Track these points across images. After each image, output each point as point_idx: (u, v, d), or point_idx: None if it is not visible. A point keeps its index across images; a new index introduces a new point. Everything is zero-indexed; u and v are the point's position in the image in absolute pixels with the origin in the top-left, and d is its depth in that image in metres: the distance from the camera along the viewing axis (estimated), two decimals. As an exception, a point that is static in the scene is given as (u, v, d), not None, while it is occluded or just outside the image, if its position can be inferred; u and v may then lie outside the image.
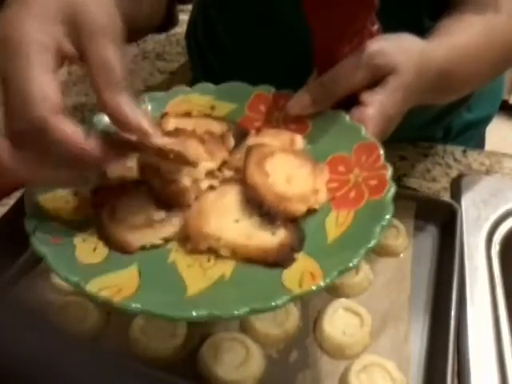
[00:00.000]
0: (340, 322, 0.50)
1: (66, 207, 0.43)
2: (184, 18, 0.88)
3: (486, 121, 0.87)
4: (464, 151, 0.76)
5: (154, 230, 0.42)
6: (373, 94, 0.47)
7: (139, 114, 0.39)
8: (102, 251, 0.41)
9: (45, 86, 0.37)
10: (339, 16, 0.46)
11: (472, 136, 0.85)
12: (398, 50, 0.49)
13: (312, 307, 0.52)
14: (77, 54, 0.40)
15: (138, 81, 0.96)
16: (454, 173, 0.72)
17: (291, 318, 0.50)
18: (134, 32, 0.71)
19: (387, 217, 0.39)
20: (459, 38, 0.55)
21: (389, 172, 0.42)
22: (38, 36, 0.38)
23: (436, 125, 0.80)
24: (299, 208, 0.42)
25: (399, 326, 0.51)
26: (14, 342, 0.25)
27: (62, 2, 0.39)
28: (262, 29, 0.72)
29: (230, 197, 0.43)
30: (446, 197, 0.67)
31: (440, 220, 0.61)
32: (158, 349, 0.48)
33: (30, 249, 0.54)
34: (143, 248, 0.41)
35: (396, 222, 0.58)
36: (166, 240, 0.42)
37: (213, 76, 0.83)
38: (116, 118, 0.39)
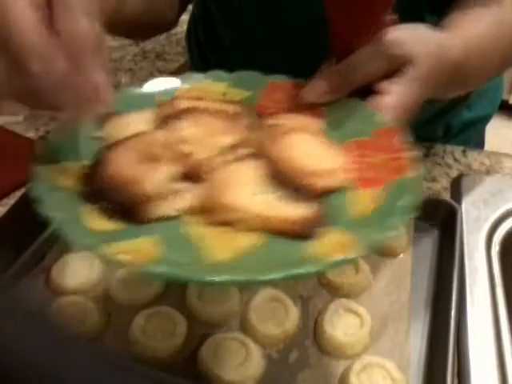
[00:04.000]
0: (340, 322, 0.50)
1: (76, 177, 0.41)
2: (184, 18, 0.88)
3: (485, 120, 0.87)
4: (464, 151, 0.76)
5: (169, 201, 0.41)
6: (391, 84, 0.47)
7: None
8: (117, 221, 0.39)
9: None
10: (360, 7, 0.47)
11: (472, 134, 0.86)
12: (416, 40, 0.48)
13: (312, 307, 0.52)
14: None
15: (137, 81, 0.96)
16: (454, 173, 0.72)
17: (291, 318, 0.50)
18: (147, 28, 0.72)
19: (417, 193, 0.38)
20: (472, 30, 0.55)
21: (413, 152, 0.41)
22: None
23: (436, 123, 0.80)
24: (323, 183, 0.41)
25: (399, 325, 0.51)
26: (14, 341, 0.25)
27: None
28: (263, 28, 0.72)
29: (249, 171, 0.42)
30: (446, 197, 0.66)
31: (440, 220, 0.61)
32: (158, 349, 0.47)
33: (30, 249, 0.55)
34: (158, 220, 0.40)
35: (396, 221, 0.58)
36: (182, 212, 0.41)
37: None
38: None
